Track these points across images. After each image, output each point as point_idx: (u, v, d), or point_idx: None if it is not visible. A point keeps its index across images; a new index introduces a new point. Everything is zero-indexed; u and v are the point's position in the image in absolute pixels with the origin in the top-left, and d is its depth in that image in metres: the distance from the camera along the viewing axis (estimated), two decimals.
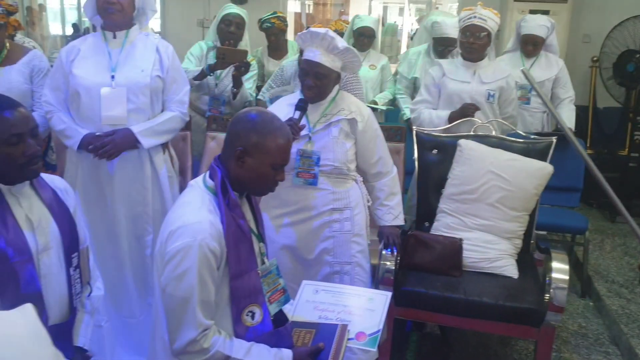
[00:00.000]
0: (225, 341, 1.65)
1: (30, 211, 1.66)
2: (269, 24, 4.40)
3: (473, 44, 3.27)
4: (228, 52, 3.21)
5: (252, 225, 1.84)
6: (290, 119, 2.34)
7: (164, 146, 2.70)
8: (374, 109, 3.78)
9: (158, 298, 1.71)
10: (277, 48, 4.57)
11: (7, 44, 2.81)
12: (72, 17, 8.24)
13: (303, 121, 2.41)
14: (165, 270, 1.61)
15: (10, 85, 2.71)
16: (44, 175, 1.76)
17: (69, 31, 7.88)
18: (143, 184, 2.59)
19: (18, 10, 2.82)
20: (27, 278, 1.57)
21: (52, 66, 2.75)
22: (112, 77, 2.47)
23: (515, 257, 2.79)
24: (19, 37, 3.61)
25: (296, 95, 2.53)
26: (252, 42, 3.91)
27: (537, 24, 3.94)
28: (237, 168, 1.72)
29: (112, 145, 2.44)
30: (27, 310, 1.03)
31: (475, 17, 3.23)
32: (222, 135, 3.26)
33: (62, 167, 2.75)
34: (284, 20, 4.52)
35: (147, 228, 2.60)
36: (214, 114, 3.45)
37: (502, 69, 3.43)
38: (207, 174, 1.77)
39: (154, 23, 9.38)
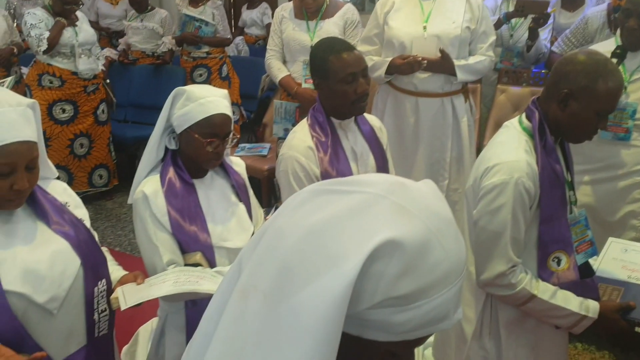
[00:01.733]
0: (532, 280, 1.67)
1: (355, 144, 1.90)
2: None
3: None
4: (528, 4, 3.12)
5: (565, 171, 1.80)
6: None
7: (466, 95, 2.77)
8: None
9: (465, 228, 1.79)
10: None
11: (327, 0, 3.14)
12: None
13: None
14: (480, 204, 1.68)
15: (328, 36, 3.04)
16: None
17: None
18: (444, 131, 2.71)
19: None
20: None
21: None
22: (424, 27, 2.61)
23: None
24: None
25: (606, 45, 2.35)
26: None
27: None
28: (558, 111, 1.68)
29: (428, 62, 2.58)
30: None
31: None
32: (512, 89, 3.22)
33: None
34: None
35: (443, 174, 2.73)
36: (505, 65, 3.40)
37: None
38: (523, 115, 1.77)
39: None
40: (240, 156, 3.37)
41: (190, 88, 1.70)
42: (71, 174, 4.04)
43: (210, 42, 4.55)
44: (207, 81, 4.45)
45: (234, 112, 4.48)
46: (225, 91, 1.74)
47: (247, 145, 4.03)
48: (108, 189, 4.30)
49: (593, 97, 1.62)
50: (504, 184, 1.63)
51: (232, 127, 1.72)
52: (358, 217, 0.60)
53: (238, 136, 1.88)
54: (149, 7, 4.97)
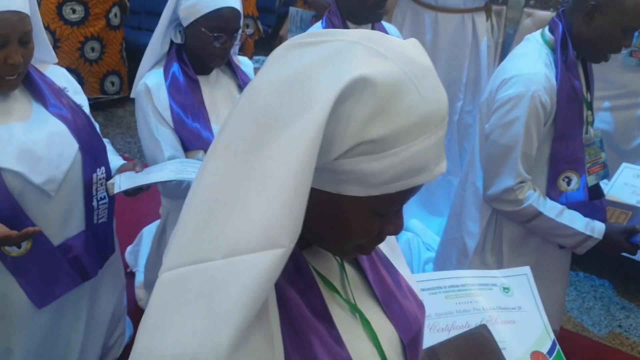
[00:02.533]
0: (539, 198, 1.64)
1: None
2: None
3: None
4: None
5: (584, 90, 1.72)
6: None
7: (488, 13, 2.65)
8: None
9: (475, 145, 1.75)
10: None
11: None
12: None
13: None
14: (494, 116, 1.63)
15: None
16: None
17: None
18: (462, 50, 2.61)
19: None
20: None
21: None
22: None
23: None
24: None
25: None
26: None
27: None
28: (583, 25, 1.60)
29: None
30: None
31: None
32: (540, 13, 3.07)
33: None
34: None
35: (459, 95, 2.65)
36: None
37: None
38: (547, 27, 1.69)
39: None
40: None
41: None
42: (82, 78, 3.98)
43: None
44: None
45: (248, 26, 4.38)
46: None
47: (263, 57, 3.94)
48: (120, 97, 4.26)
49: (620, 10, 1.55)
50: (520, 96, 1.57)
51: (240, 24, 1.65)
52: (330, 62, 0.56)
53: (248, 34, 1.81)
54: None
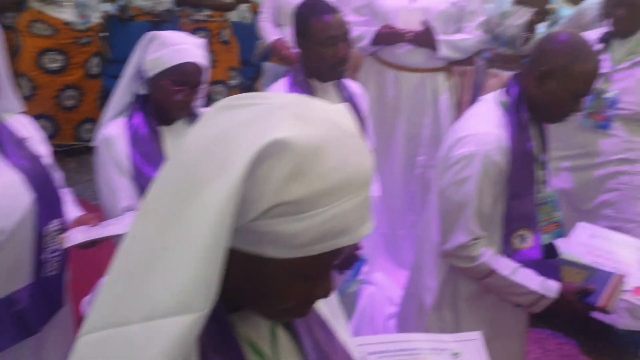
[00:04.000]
0: (493, 256, 1.66)
1: None
2: None
3: None
4: None
5: (538, 151, 1.78)
6: None
7: (448, 74, 2.74)
8: None
9: (434, 199, 1.78)
10: None
11: None
12: None
13: (605, 57, 2.21)
14: (448, 173, 1.67)
15: None
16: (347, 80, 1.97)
17: None
18: (422, 107, 2.69)
19: None
20: None
21: None
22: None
23: None
24: None
25: (596, 32, 2.32)
26: None
27: None
28: (535, 88, 1.66)
29: (412, 33, 2.54)
30: None
31: None
32: (504, 73, 3.17)
33: None
34: None
35: (419, 150, 2.71)
36: (492, 54, 3.35)
37: None
38: (503, 89, 1.75)
39: None
40: None
41: (166, 33, 1.68)
42: (57, 125, 4.00)
43: (212, 5, 4.48)
44: (206, 44, 4.38)
45: (234, 77, 4.46)
46: (201, 40, 1.72)
47: None
48: (94, 144, 4.26)
49: (570, 76, 1.61)
50: (472, 155, 1.61)
51: (203, 78, 1.69)
52: (253, 125, 0.57)
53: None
54: None
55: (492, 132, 1.63)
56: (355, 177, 0.58)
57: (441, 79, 2.71)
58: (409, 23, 2.54)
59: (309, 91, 1.86)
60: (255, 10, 5.80)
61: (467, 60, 3.16)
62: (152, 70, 1.65)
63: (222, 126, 0.59)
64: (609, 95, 2.21)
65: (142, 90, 1.70)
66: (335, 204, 0.57)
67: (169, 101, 1.64)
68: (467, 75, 3.25)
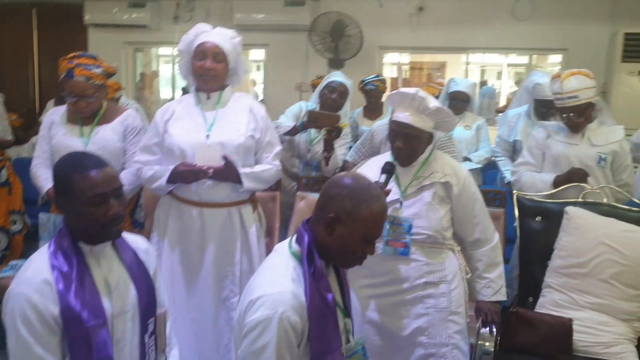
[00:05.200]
0: None
1: (109, 273, 1.64)
2: (372, 86, 4.58)
3: (576, 123, 3.05)
4: (320, 116, 3.17)
5: (339, 298, 1.71)
6: (376, 183, 2.23)
7: (254, 205, 2.67)
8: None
9: None
10: (374, 109, 4.63)
11: (105, 105, 2.95)
12: (183, 82, 8.76)
13: (392, 185, 2.29)
14: (244, 343, 1.51)
15: (105, 143, 2.86)
16: (126, 234, 1.75)
17: (178, 95, 8.36)
18: (232, 243, 2.55)
19: (117, 72, 2.98)
20: (100, 343, 1.52)
21: None
22: (207, 136, 2.49)
23: (635, 342, 2.45)
24: (124, 99, 3.81)
25: (386, 156, 2.43)
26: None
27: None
28: (326, 235, 1.62)
29: (213, 170, 2.43)
30: None
31: (565, 98, 2.98)
32: (312, 195, 3.21)
33: (150, 226, 2.78)
34: (384, 82, 4.73)
35: (234, 289, 2.54)
36: (306, 179, 3.42)
37: (615, 132, 3.14)
38: (294, 237, 1.68)
39: (257, 89, 9.81)
40: (6, 276, 2.93)
41: None
42: None
43: None
44: None
45: (15, 222, 3.99)
46: None
47: (21, 262, 3.50)
48: None
49: (357, 222, 1.59)
50: (268, 319, 1.48)
51: None
52: None
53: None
54: None
55: (287, 290, 1.53)
56: None
57: (248, 211, 2.62)
58: (207, 159, 2.45)
59: (78, 258, 1.59)
60: None
61: (275, 186, 3.16)
62: None
63: None
64: (403, 221, 2.26)
65: None
66: None
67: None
68: (275, 200, 3.22)
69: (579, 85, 2.95)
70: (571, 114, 3.02)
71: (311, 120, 3.18)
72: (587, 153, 3.07)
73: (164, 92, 8.58)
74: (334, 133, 3.15)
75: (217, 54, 2.52)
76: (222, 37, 2.56)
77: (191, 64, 2.56)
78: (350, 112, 4.63)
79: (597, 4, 5.68)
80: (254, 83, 10.68)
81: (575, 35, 5.79)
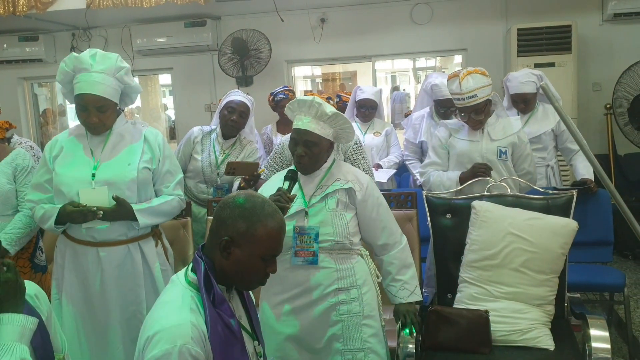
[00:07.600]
0: None
1: None
2: (283, 95, 4.41)
3: (477, 121, 3.16)
4: (238, 166, 3.06)
5: (245, 321, 1.65)
6: (279, 189, 2.19)
7: (157, 238, 2.54)
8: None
9: None
10: (287, 122, 4.55)
11: None
12: None
13: (297, 196, 2.27)
14: None
15: None
16: None
17: None
18: (135, 281, 2.41)
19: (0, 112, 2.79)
20: None
21: None
22: (93, 175, 2.33)
23: (549, 325, 2.53)
24: (16, 138, 3.60)
25: (291, 167, 2.40)
26: (258, 119, 3.88)
27: (521, 82, 3.82)
28: (222, 260, 1.56)
29: (104, 212, 2.29)
30: None
31: (464, 98, 3.08)
32: None
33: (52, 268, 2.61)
34: (294, 92, 4.62)
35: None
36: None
37: (512, 125, 3.27)
38: (190, 266, 1.61)
39: (170, 112, 9.61)
40: None
41: None
42: None
43: None
44: None
45: None
46: None
47: None
48: None
49: (254, 242, 1.55)
50: (167, 355, 1.40)
51: None
52: None
53: None
54: None
55: (185, 321, 1.45)
56: None
57: (150, 246, 2.48)
58: (93, 201, 2.28)
59: None
60: None
61: (185, 212, 3.05)
62: None
63: None
64: (309, 230, 2.24)
65: None
66: None
67: None
68: (187, 227, 3.12)
69: (477, 84, 3.04)
70: (472, 114, 3.11)
71: (229, 171, 3.06)
72: (488, 148, 3.18)
73: (72, 125, 8.23)
74: (252, 182, 3.02)
75: (100, 107, 2.32)
76: (102, 79, 2.29)
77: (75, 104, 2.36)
78: (264, 127, 4.60)
79: (491, 3, 5.93)
80: (165, 107, 10.47)
81: (473, 35, 6.02)
